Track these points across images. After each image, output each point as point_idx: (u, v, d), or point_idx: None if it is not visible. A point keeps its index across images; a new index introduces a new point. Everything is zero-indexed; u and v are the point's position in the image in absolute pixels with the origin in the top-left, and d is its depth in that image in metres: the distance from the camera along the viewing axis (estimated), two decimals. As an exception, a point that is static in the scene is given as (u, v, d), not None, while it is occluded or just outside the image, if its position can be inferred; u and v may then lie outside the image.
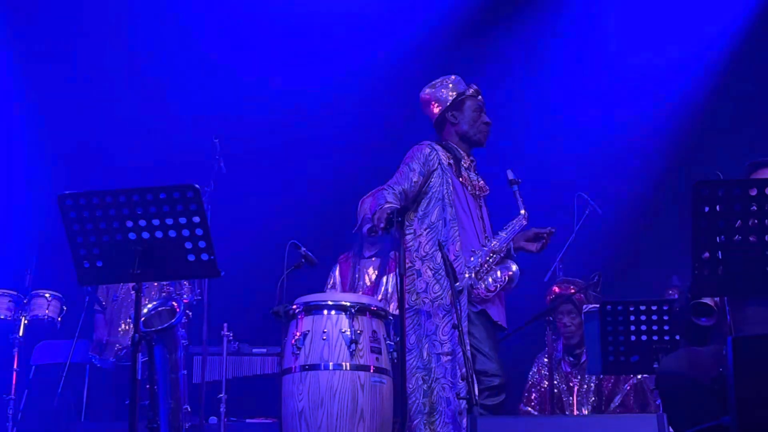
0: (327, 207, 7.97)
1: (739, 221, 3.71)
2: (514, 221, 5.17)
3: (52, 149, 8.48)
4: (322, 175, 8.64)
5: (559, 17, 8.69)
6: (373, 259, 7.25)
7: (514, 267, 5.06)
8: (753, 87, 8.19)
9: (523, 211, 5.18)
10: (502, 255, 5.11)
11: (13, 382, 6.91)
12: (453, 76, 5.42)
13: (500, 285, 5.04)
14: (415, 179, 5.10)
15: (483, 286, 4.99)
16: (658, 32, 8.45)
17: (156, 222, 3.96)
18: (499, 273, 5.04)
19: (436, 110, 5.37)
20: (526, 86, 8.66)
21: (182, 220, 3.96)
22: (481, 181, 5.34)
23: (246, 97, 8.73)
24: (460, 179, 5.20)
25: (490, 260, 5.05)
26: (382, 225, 4.83)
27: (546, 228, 5.28)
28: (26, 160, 8.43)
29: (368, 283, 7.17)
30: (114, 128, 8.49)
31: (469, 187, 5.22)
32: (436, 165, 5.15)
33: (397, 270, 4.80)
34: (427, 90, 5.42)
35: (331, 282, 7.26)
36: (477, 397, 4.41)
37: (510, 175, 5.21)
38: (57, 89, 8.47)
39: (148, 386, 4.45)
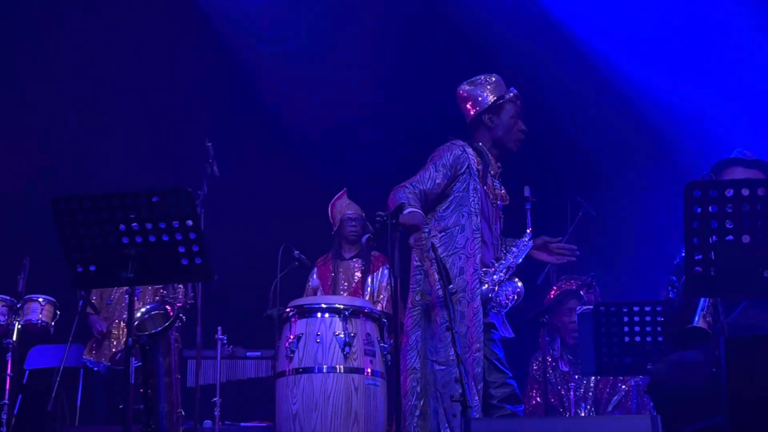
0: (320, 210, 7.95)
1: (731, 222, 3.71)
2: (525, 240, 5.11)
3: (44, 153, 8.46)
4: (316, 178, 8.63)
5: (550, 15, 8.69)
6: (355, 260, 7.28)
7: (520, 284, 5.01)
8: (749, 87, 8.20)
9: (529, 230, 5.12)
10: (512, 271, 5.06)
11: (7, 386, 6.89)
12: (494, 77, 5.22)
13: (511, 303, 4.98)
14: (438, 181, 4.93)
15: (498, 301, 4.92)
16: (654, 32, 8.46)
17: (149, 226, 3.95)
18: (510, 289, 4.96)
19: (473, 110, 5.18)
20: (521, 87, 8.65)
21: (175, 224, 3.95)
22: (503, 190, 5.21)
23: (239, 99, 8.72)
24: (485, 187, 5.05)
25: (503, 276, 4.98)
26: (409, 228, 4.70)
27: (557, 238, 5.27)
28: (18, 164, 8.41)
29: (353, 284, 7.19)
30: (106, 131, 8.48)
31: (491, 196, 5.09)
32: (464, 169, 4.97)
33: (392, 271, 4.69)
34: (466, 87, 5.22)
35: (310, 286, 7.27)
36: (470, 400, 4.38)
37: (526, 192, 5.12)
38: (48, 91, 8.45)
39: (141, 390, 4.45)
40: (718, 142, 7.62)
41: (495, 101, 5.14)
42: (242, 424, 7.19)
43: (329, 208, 7.46)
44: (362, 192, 7.67)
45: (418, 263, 4.97)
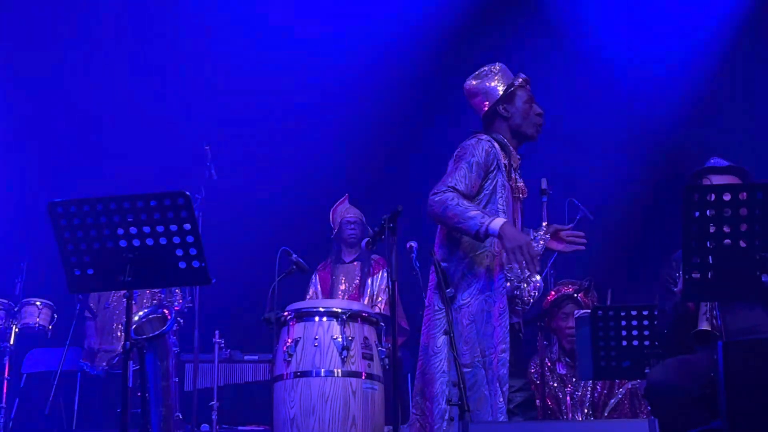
0: (318, 214, 7.96)
1: (729, 226, 3.72)
2: (541, 234, 5.02)
3: (42, 156, 8.46)
4: (314, 182, 8.64)
5: (550, 20, 8.69)
6: (355, 263, 7.29)
7: (538, 277, 4.87)
8: (746, 90, 8.21)
9: (544, 224, 5.03)
10: None
11: (4, 390, 6.90)
12: (498, 65, 5.04)
13: (533, 298, 4.88)
14: (473, 182, 4.70)
15: (522, 298, 4.78)
16: (651, 35, 8.47)
17: (147, 229, 3.95)
18: (530, 286, 4.81)
19: (485, 104, 4.97)
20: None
21: (173, 228, 3.95)
22: (522, 183, 5.01)
23: (237, 104, 8.73)
24: (510, 181, 4.89)
25: (527, 273, 4.81)
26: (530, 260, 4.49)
27: (567, 226, 5.19)
28: (16, 168, 8.41)
29: (353, 287, 7.20)
30: (104, 135, 8.49)
31: (513, 190, 4.91)
32: (494, 165, 4.78)
33: (390, 274, 4.62)
34: (473, 81, 5.03)
35: (312, 291, 7.28)
36: (468, 404, 4.35)
37: (543, 185, 5.02)
38: (47, 95, 8.46)
39: (139, 394, 4.45)
40: (716, 145, 7.64)
41: (506, 90, 4.96)
42: (240, 427, 7.19)
43: (330, 213, 7.47)
44: (362, 197, 7.68)
45: (446, 264, 4.76)
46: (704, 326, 4.34)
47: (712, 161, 4.95)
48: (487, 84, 5.01)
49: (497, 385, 4.59)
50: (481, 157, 4.74)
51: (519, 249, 4.47)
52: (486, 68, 5.06)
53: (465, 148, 4.81)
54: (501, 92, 4.97)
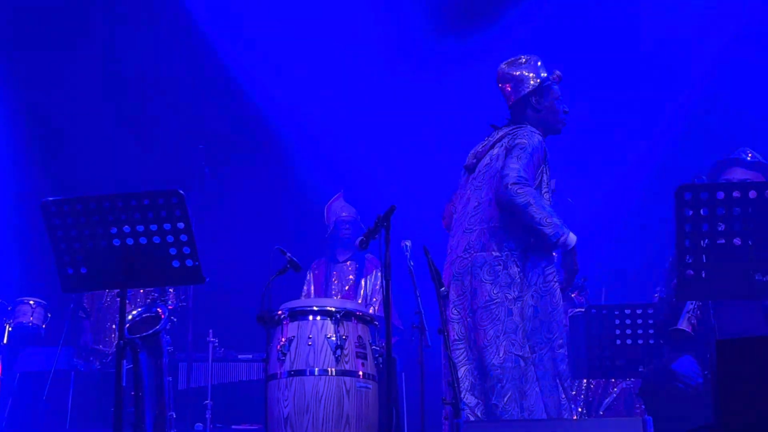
0: (312, 213, 7.96)
1: (722, 225, 3.72)
2: None
3: (36, 156, 8.45)
4: (307, 181, 8.63)
5: (546, 18, 8.69)
6: (349, 263, 7.30)
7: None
8: (744, 94, 8.20)
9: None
10: None
11: (-2, 389, 6.89)
12: (535, 57, 5.01)
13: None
14: (533, 175, 4.67)
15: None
16: (651, 37, 8.47)
17: (140, 228, 3.94)
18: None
19: (518, 92, 4.94)
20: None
21: (167, 227, 3.94)
22: None
23: (231, 103, 8.72)
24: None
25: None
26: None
27: None
28: (10, 167, 8.39)
29: (347, 287, 7.20)
30: (99, 134, 8.48)
31: None
32: (544, 159, 4.77)
33: (383, 274, 4.61)
34: (508, 68, 5.00)
35: (306, 290, 7.28)
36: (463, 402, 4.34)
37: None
38: (41, 95, 8.44)
39: (133, 393, 4.44)
40: (715, 145, 7.64)
41: (541, 82, 4.94)
42: (233, 426, 7.18)
43: (325, 210, 7.48)
44: (356, 196, 7.67)
45: (497, 254, 4.71)
46: (683, 326, 4.35)
47: (743, 155, 4.91)
48: (524, 73, 4.97)
49: (557, 381, 4.56)
50: (538, 149, 4.72)
51: (574, 273, 4.63)
52: (523, 57, 5.03)
53: (521, 137, 4.75)
54: (534, 84, 4.94)
